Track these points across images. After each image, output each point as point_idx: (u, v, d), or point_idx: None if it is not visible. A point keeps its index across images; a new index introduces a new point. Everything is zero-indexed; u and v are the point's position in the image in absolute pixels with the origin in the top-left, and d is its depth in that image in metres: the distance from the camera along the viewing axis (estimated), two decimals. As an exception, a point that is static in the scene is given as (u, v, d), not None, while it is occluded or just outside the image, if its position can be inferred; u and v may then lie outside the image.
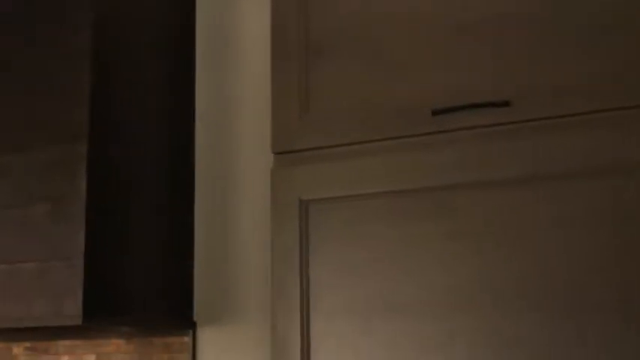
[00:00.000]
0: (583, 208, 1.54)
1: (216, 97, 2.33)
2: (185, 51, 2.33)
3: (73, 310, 1.89)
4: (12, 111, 2.06)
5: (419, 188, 1.67)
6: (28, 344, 2.40)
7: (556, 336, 1.52)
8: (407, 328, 1.64)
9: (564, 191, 1.55)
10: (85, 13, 2.03)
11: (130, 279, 2.05)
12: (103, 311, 1.96)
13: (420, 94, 1.70)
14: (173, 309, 2.18)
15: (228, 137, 2.29)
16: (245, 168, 2.25)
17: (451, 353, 1.60)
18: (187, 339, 2.22)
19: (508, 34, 1.65)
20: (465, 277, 1.61)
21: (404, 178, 1.68)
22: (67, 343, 2.38)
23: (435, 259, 1.64)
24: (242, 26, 2.33)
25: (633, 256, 1.49)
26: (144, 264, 2.09)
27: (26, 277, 1.95)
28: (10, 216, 2.00)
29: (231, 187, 2.26)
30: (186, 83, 2.32)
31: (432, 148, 1.67)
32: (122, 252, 2.03)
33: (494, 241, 1.59)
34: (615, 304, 1.49)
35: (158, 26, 2.24)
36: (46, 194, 1.97)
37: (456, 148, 1.65)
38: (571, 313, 1.52)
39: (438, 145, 1.67)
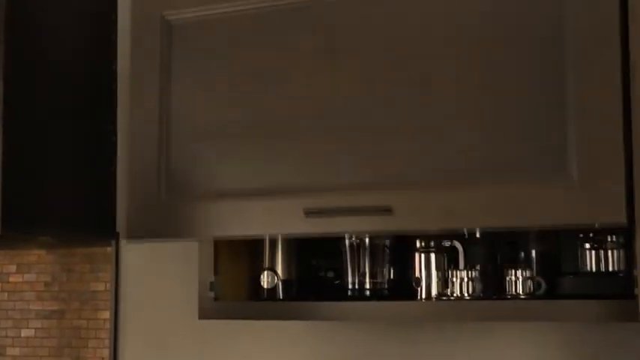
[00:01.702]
0: (472, 25, 1.47)
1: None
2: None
3: (-9, 219, 1.86)
4: None
5: (293, 2, 1.59)
6: (-55, 255, 2.35)
7: (435, 151, 1.49)
8: (276, 149, 1.59)
9: (452, 9, 1.49)
10: None
11: (50, 188, 2.00)
12: (22, 220, 1.92)
13: None
14: (95, 219, 2.15)
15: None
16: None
17: (317, 174, 1.56)
18: (110, 249, 2.20)
19: None
20: (342, 96, 1.55)
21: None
22: (-14, 253, 2.34)
23: (310, 76, 1.57)
24: None
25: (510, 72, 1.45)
26: (65, 172, 2.05)
27: (-59, 186, 1.90)
28: None
29: (154, 96, 2.21)
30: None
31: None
32: (42, 160, 1.98)
33: (373, 59, 1.53)
34: (493, 123, 1.46)
35: None
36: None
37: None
38: (450, 130, 1.48)
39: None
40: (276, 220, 1.58)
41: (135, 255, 2.19)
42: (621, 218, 1.36)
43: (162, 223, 1.67)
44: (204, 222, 1.64)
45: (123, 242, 2.20)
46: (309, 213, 1.53)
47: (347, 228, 1.54)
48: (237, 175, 1.62)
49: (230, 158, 1.63)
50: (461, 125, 1.47)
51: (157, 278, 2.16)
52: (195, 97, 1.67)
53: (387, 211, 1.48)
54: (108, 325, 2.19)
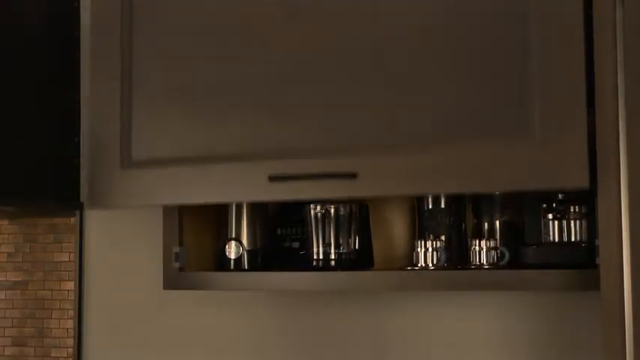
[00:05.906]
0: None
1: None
2: None
3: (-49, 188, 1.84)
4: None
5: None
6: None
7: (399, 114, 1.49)
8: (239, 113, 1.59)
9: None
10: None
11: (13, 158, 1.98)
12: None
13: None
14: (59, 189, 2.13)
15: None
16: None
17: (281, 139, 1.56)
18: (74, 220, 2.18)
19: None
20: (306, 59, 1.54)
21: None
22: (-52, 224, 2.31)
23: (272, 38, 1.57)
24: None
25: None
26: (28, 142, 2.02)
27: None
28: None
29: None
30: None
31: None
32: (4, 129, 1.96)
33: (334, 18, 1.53)
34: (457, 84, 1.46)
35: None
36: None
37: None
38: (413, 93, 1.48)
39: None
40: (240, 186, 1.57)
41: (99, 225, 2.18)
42: (584, 182, 1.36)
43: (124, 190, 1.66)
44: (166, 189, 1.63)
45: (87, 212, 2.18)
46: (274, 178, 1.53)
47: (312, 194, 1.53)
48: (200, 140, 1.61)
49: (192, 123, 1.62)
50: (424, 88, 1.47)
51: (121, 249, 2.15)
52: (157, 61, 1.65)
53: (351, 176, 1.48)
54: (72, 296, 2.17)
